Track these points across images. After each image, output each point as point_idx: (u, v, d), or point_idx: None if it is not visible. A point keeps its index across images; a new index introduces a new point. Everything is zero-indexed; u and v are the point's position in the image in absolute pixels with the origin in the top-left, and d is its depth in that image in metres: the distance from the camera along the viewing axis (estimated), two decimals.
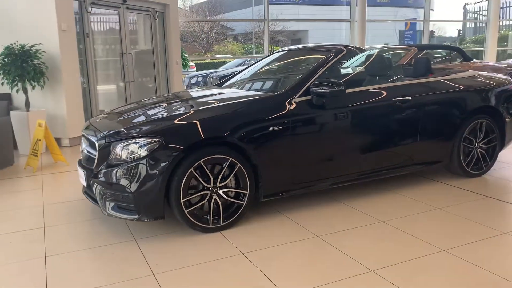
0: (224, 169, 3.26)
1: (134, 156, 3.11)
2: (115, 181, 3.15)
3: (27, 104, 6.07)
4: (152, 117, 3.47)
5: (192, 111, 3.53)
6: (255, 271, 2.72)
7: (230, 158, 3.26)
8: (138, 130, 3.25)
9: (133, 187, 3.09)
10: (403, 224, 3.34)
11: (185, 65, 10.19)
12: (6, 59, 5.78)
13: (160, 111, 3.66)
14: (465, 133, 4.33)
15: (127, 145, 3.16)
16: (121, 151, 3.17)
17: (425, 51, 8.03)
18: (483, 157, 4.51)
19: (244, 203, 3.37)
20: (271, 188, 3.52)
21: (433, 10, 21.46)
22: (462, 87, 4.35)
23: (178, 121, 3.30)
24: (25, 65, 5.76)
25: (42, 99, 6.43)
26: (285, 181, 3.56)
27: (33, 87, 6.00)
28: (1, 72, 5.79)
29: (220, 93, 4.04)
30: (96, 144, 3.33)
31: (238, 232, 3.31)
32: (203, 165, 3.18)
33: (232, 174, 3.30)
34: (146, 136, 3.16)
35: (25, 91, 5.99)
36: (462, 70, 4.82)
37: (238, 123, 3.32)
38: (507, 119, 4.57)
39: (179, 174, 3.11)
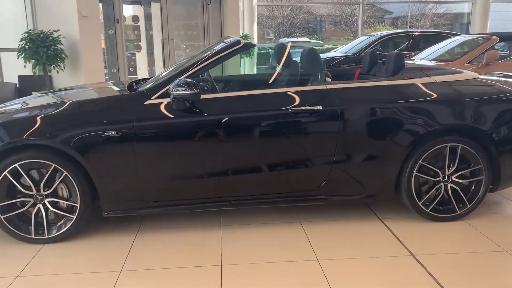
0: (46, 176, 2.90)
1: None
2: None
3: (48, 85, 6.49)
4: None
5: (24, 109, 3.18)
6: None
7: (54, 165, 2.89)
8: None
9: None
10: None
11: (251, 54, 9.77)
12: (28, 44, 6.21)
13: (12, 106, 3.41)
14: (421, 160, 3.12)
15: None
16: None
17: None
18: (456, 195, 3.21)
19: (74, 217, 2.97)
20: (113, 203, 3.02)
21: None
22: (424, 96, 3.13)
23: None
24: (39, 50, 6.12)
25: (68, 81, 6.81)
26: (130, 197, 3.02)
27: (49, 71, 6.36)
28: (23, 56, 6.26)
29: (89, 90, 3.70)
30: None
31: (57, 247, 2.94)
32: (19, 169, 2.88)
33: (58, 183, 2.93)
34: None
35: (45, 73, 6.40)
36: (455, 71, 3.47)
37: (62, 124, 2.90)
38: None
39: None
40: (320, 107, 3.00)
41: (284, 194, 3.13)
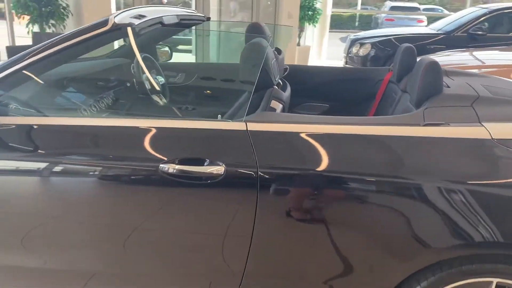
0: None
1: None
2: None
3: None
4: None
5: None
6: None
7: None
8: None
9: None
10: None
11: (314, 20, 7.92)
12: None
13: None
14: None
15: None
16: None
17: None
18: None
19: None
20: None
21: None
22: (455, 171, 1.44)
23: None
24: (29, 5, 5.17)
25: None
26: None
27: (43, 30, 5.40)
28: (20, 11, 5.37)
29: None
30: None
31: None
32: None
33: None
34: None
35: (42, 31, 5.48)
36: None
37: None
38: None
39: None
40: (222, 169, 1.48)
41: None
